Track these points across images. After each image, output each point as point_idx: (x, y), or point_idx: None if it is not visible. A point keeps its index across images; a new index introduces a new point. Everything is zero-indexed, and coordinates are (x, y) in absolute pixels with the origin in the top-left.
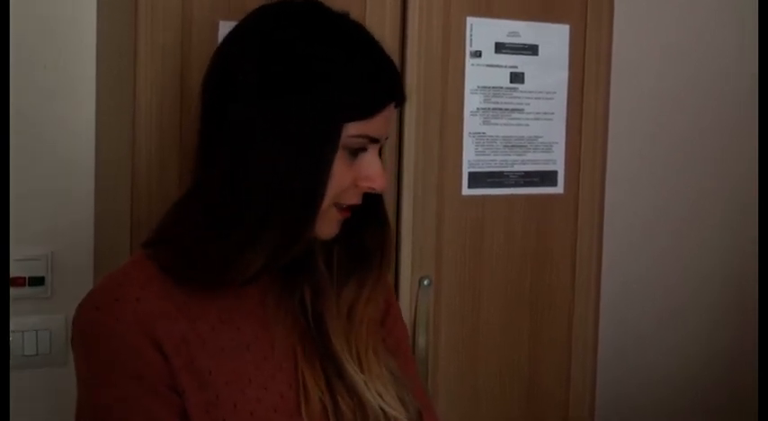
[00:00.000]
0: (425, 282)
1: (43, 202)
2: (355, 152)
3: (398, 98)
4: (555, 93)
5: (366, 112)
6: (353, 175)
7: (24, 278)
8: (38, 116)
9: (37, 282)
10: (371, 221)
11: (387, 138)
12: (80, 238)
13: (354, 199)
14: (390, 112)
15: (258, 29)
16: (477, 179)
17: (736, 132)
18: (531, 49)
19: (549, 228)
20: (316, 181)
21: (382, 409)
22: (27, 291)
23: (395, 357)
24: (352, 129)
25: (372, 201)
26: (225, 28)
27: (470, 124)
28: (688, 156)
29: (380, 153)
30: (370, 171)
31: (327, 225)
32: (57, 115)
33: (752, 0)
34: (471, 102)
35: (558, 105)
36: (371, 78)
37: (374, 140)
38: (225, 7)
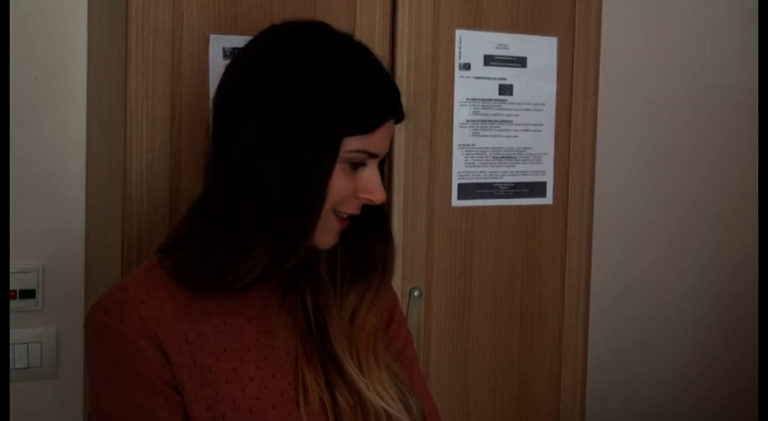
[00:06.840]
0: (416, 293)
1: (34, 215)
2: (355, 166)
3: (397, 115)
4: (543, 104)
5: (366, 128)
6: (353, 187)
7: (15, 291)
8: (28, 130)
9: (28, 294)
10: (375, 235)
11: (386, 153)
12: (71, 251)
13: (353, 209)
14: (389, 128)
15: (266, 49)
16: (466, 190)
17: (726, 143)
18: (520, 62)
19: (538, 238)
20: (313, 192)
21: (384, 409)
22: (18, 303)
23: (400, 362)
24: (351, 144)
25: (377, 215)
26: (215, 42)
27: (460, 136)
28: (676, 167)
29: (382, 165)
30: (370, 185)
31: (326, 235)
32: (47, 129)
33: (740, 13)
34: (461, 113)
35: (547, 117)
36: (372, 96)
37: (373, 156)
38: (215, 21)
